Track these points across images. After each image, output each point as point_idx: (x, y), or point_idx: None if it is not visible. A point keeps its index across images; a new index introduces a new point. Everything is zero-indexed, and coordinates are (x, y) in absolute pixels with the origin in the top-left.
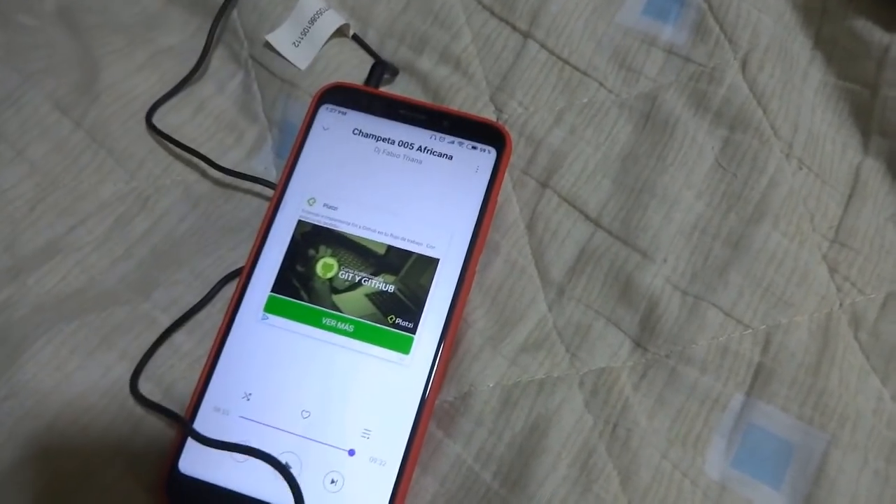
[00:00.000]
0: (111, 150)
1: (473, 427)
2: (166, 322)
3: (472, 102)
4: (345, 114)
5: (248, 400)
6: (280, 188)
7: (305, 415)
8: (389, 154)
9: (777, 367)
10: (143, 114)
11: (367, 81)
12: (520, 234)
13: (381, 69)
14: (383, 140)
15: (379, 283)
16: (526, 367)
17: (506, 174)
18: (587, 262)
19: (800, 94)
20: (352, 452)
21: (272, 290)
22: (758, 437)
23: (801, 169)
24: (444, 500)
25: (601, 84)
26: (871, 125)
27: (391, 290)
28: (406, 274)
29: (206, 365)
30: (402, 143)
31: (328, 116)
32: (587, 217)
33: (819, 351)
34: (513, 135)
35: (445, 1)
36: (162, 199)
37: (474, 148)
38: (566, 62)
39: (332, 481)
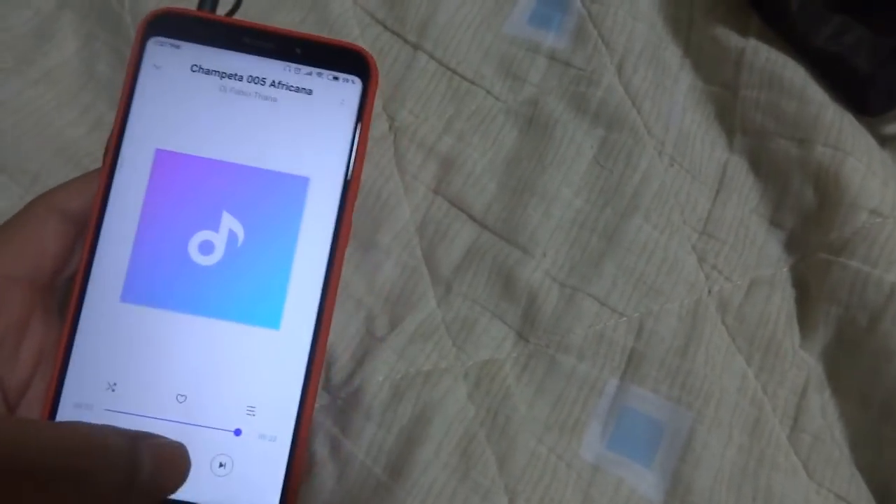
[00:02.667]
0: (4, 166)
1: (363, 422)
2: None
3: None
4: (179, 47)
5: (114, 391)
6: (115, 140)
7: (181, 399)
8: (238, 93)
9: (648, 352)
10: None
11: (201, 5)
12: (410, 236)
13: None
14: (229, 76)
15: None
16: (413, 359)
17: (396, 174)
18: (472, 260)
19: (671, 97)
20: (238, 432)
21: (128, 274)
22: (631, 419)
23: (672, 165)
24: (340, 496)
25: (488, 92)
26: (735, 124)
27: (258, 256)
28: (271, 234)
29: (58, 357)
30: (251, 79)
31: (159, 52)
32: (473, 219)
33: (687, 335)
34: (404, 141)
35: (341, 14)
36: None
37: (336, 79)
38: (454, 72)
39: (221, 465)
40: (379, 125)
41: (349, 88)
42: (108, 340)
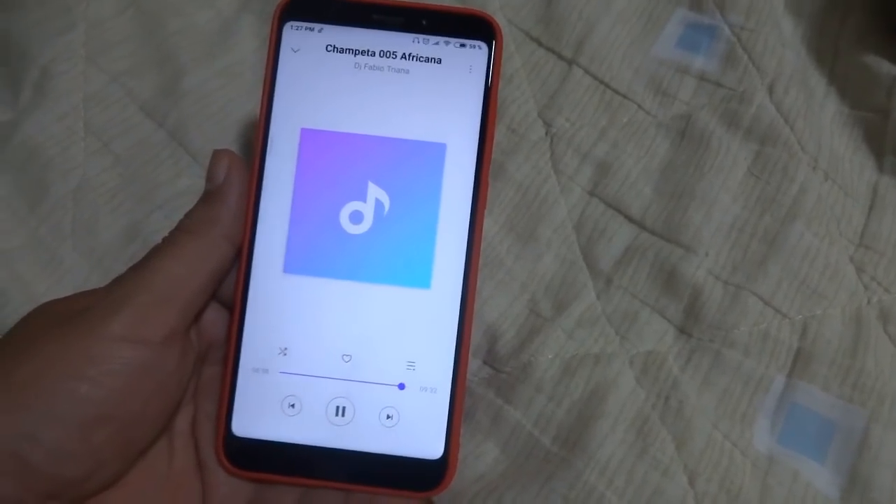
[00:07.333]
0: (188, 147)
1: (533, 394)
2: None
3: (523, 116)
4: (313, 29)
5: (286, 355)
6: (262, 123)
7: (347, 358)
8: (372, 68)
9: (815, 351)
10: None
11: None
12: (568, 233)
13: None
14: (362, 53)
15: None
16: (582, 341)
17: (553, 175)
18: (633, 256)
19: (819, 120)
20: (401, 386)
21: (288, 247)
22: (801, 416)
23: (826, 180)
24: (505, 465)
25: (640, 106)
26: (885, 146)
27: (405, 222)
28: (415, 200)
29: (232, 328)
30: (383, 54)
31: (295, 35)
32: (631, 220)
33: (853, 338)
34: (560, 146)
35: None
36: None
37: (463, 46)
38: (607, 86)
39: (388, 416)
40: (536, 130)
41: (476, 54)
42: (275, 309)
